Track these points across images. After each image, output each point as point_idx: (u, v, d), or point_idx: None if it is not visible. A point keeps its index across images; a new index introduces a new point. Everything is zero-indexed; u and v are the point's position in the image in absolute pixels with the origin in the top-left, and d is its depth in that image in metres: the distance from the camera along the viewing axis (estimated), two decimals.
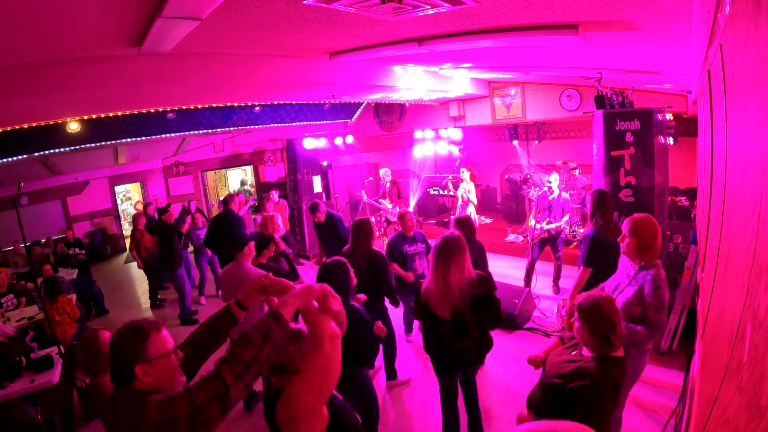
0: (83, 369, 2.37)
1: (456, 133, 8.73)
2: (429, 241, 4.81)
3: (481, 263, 3.81)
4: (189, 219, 6.71)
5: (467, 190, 7.27)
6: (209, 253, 6.78)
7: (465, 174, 7.28)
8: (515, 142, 8.90)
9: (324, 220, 5.40)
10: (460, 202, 7.27)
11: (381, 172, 8.23)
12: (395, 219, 7.77)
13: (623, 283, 2.58)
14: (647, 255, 2.46)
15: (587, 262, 3.47)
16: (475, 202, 7.31)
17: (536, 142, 8.70)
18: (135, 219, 7.06)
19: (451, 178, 8.64)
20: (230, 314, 1.63)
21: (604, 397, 1.81)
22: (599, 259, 3.36)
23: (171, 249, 6.22)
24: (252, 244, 3.69)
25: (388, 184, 8.20)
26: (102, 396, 2.09)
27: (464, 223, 3.93)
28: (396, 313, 4.70)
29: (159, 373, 1.37)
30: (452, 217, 7.04)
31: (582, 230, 6.97)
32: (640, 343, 2.46)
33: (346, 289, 2.68)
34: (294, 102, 7.61)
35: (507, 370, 4.01)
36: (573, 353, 2.02)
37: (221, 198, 7.35)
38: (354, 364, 2.74)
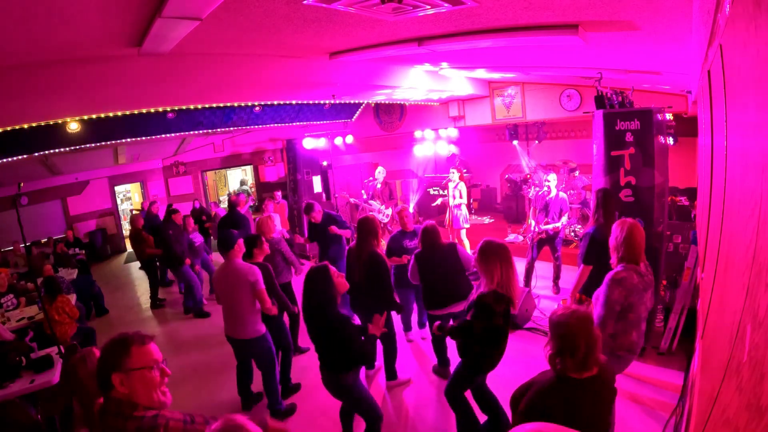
0: (82, 394, 2.17)
1: (453, 133, 8.72)
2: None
3: (460, 263, 3.84)
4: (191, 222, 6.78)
5: (455, 189, 7.16)
6: (205, 254, 6.83)
7: (454, 175, 7.22)
8: (515, 142, 8.89)
9: (321, 220, 5.29)
10: (452, 202, 7.21)
11: (377, 171, 8.11)
12: (386, 220, 7.75)
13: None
14: (616, 254, 2.64)
15: (586, 260, 3.48)
16: (465, 201, 7.20)
17: (536, 142, 8.69)
18: (133, 220, 7.03)
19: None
20: None
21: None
22: (599, 257, 3.38)
23: (169, 249, 6.24)
24: (241, 241, 3.70)
25: (378, 185, 8.01)
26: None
27: (428, 231, 3.90)
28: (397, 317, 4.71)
29: (135, 385, 1.40)
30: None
31: (580, 229, 6.97)
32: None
33: (328, 296, 2.67)
34: (294, 102, 7.61)
35: (507, 370, 4.01)
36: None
37: (223, 198, 7.35)
38: (341, 370, 2.73)
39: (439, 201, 7.36)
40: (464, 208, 7.14)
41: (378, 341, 4.09)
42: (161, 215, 8.49)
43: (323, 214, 5.34)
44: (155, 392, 1.44)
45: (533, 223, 5.77)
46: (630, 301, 2.54)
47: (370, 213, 7.64)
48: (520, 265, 6.49)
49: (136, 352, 1.42)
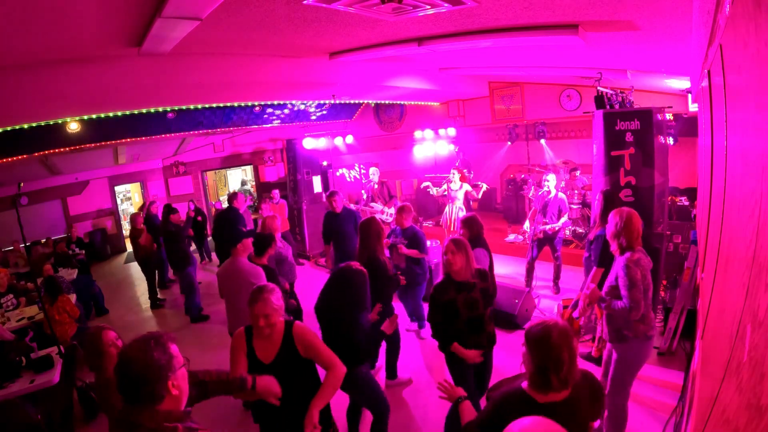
0: (87, 366, 2.32)
1: (452, 133, 8.71)
2: (430, 241, 4.82)
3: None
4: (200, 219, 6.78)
5: (455, 190, 6.98)
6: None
7: (455, 176, 7.05)
8: (508, 143, 8.93)
9: (340, 211, 5.32)
10: (453, 205, 7.12)
11: (370, 172, 8.02)
12: (390, 220, 7.72)
13: (611, 272, 2.83)
14: (616, 241, 2.72)
15: (601, 263, 3.48)
16: (476, 197, 7.01)
17: (537, 141, 8.69)
18: (133, 219, 7.03)
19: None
20: (242, 386, 1.73)
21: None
22: (611, 258, 3.39)
23: (177, 250, 6.25)
24: (247, 241, 3.70)
25: (375, 185, 7.90)
26: (112, 389, 2.05)
27: (473, 222, 3.91)
28: (400, 310, 4.70)
29: (182, 384, 1.33)
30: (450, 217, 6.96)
31: (581, 230, 6.97)
32: (627, 320, 2.63)
33: (361, 302, 2.69)
34: (294, 102, 7.61)
35: (507, 370, 4.02)
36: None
37: (225, 196, 7.31)
38: (353, 364, 2.72)
39: (429, 187, 7.25)
40: (464, 210, 7.10)
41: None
42: (160, 215, 8.50)
43: (343, 206, 5.36)
44: (187, 386, 1.39)
45: (529, 225, 5.76)
46: (647, 281, 2.65)
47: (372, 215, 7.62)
48: (521, 265, 6.54)
49: (174, 348, 1.35)
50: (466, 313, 2.76)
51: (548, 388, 1.56)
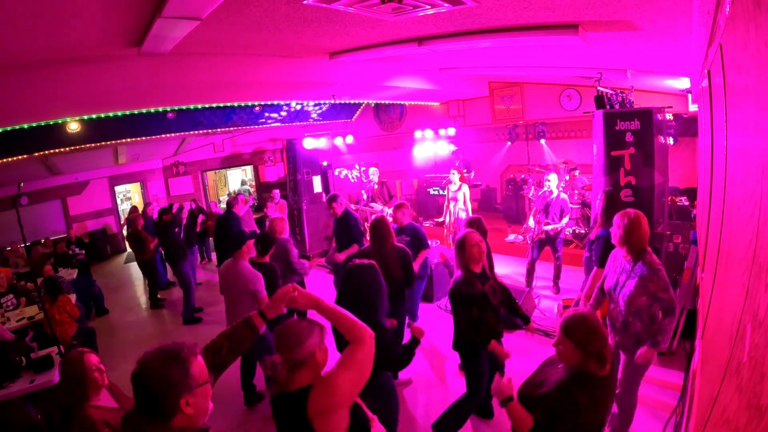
0: (65, 395, 2.11)
1: (452, 133, 8.70)
2: (431, 241, 4.79)
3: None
4: (201, 217, 6.78)
5: (455, 191, 6.88)
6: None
7: (455, 176, 6.93)
8: (508, 143, 8.93)
9: (340, 215, 5.23)
10: (455, 206, 7.07)
11: (370, 172, 7.99)
12: (390, 220, 7.69)
13: (622, 278, 2.71)
14: (627, 246, 2.66)
15: (602, 263, 3.47)
16: (468, 206, 6.87)
17: (537, 141, 8.70)
18: (133, 221, 6.99)
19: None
20: (251, 325, 1.57)
21: (559, 419, 1.73)
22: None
23: (172, 243, 6.26)
24: (251, 242, 3.70)
25: (375, 186, 7.86)
26: (89, 425, 1.91)
27: (477, 222, 3.92)
28: None
29: (200, 402, 1.28)
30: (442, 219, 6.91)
31: (581, 230, 6.97)
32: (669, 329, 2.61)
33: (378, 300, 2.49)
34: (294, 102, 7.62)
35: (507, 370, 4.01)
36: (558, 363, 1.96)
37: (225, 196, 7.32)
38: (382, 370, 2.58)
39: (451, 194, 7.12)
40: (465, 212, 7.09)
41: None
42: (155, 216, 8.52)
43: (344, 210, 5.26)
44: (209, 402, 1.32)
45: (533, 224, 5.75)
46: None
47: (372, 215, 7.61)
48: (521, 265, 6.53)
49: (196, 365, 1.27)
50: (493, 299, 2.84)
51: (605, 362, 1.76)
